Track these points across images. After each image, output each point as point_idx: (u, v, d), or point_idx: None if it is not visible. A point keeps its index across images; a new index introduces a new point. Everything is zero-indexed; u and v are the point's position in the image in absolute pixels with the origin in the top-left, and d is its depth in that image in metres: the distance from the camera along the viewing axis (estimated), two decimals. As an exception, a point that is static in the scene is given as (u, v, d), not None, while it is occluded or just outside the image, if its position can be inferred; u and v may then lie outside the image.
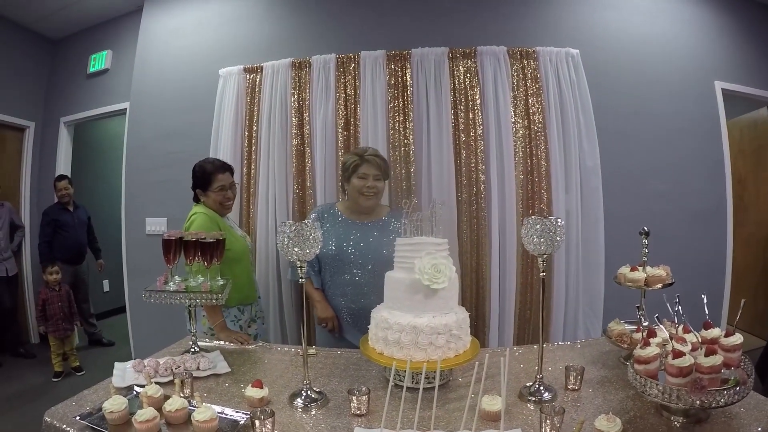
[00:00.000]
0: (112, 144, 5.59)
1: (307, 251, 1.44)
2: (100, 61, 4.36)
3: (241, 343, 2.09)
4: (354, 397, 1.39)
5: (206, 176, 2.32)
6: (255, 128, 3.29)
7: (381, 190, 2.31)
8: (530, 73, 3.11)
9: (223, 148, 3.31)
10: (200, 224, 2.19)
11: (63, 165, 4.66)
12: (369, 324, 1.68)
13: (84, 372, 3.96)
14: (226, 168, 2.40)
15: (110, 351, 4.59)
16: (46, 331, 3.84)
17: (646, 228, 1.82)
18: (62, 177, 4.43)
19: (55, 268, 3.88)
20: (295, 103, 3.22)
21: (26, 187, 4.66)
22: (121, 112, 4.11)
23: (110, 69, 4.33)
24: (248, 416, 1.33)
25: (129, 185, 3.87)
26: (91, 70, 4.41)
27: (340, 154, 3.13)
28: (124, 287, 3.91)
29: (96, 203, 5.18)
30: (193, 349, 1.92)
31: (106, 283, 5.64)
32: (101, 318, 5.14)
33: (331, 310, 2.34)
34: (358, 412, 1.39)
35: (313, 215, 2.42)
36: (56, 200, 4.43)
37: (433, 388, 1.34)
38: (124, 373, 1.70)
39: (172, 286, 1.85)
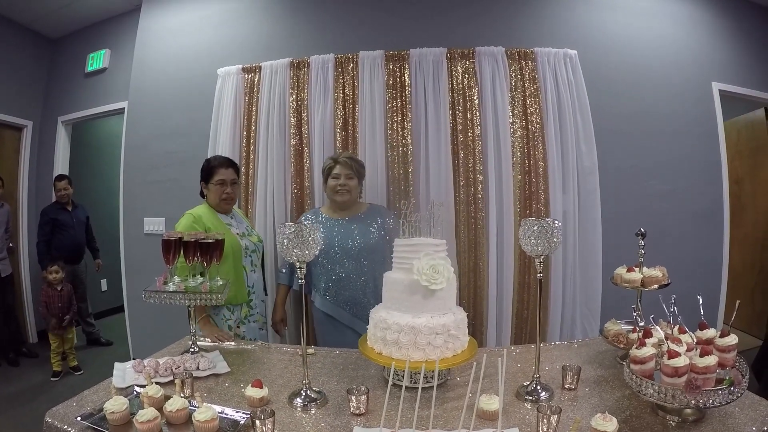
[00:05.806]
0: (110, 143, 5.58)
1: (307, 252, 1.44)
2: (98, 60, 4.36)
3: (220, 341, 2.10)
4: (353, 397, 1.40)
5: (210, 168, 2.40)
6: (253, 128, 3.29)
7: (353, 188, 2.54)
8: (528, 74, 3.12)
9: (222, 147, 3.30)
10: (184, 225, 2.22)
11: (61, 164, 4.65)
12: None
13: (82, 371, 3.94)
14: (230, 164, 2.44)
15: (108, 350, 4.59)
16: (48, 327, 3.83)
17: (642, 229, 1.84)
18: (62, 177, 4.41)
19: (55, 267, 3.85)
20: (294, 103, 3.23)
21: (24, 186, 4.65)
22: (119, 112, 4.11)
23: (108, 68, 4.33)
24: (249, 416, 1.34)
25: (127, 184, 3.87)
26: (89, 69, 4.40)
27: (338, 153, 3.14)
28: (123, 287, 3.92)
29: (94, 202, 5.16)
30: (192, 349, 1.92)
31: (104, 282, 5.63)
32: (99, 317, 5.13)
33: (282, 314, 2.69)
34: (357, 412, 1.40)
35: (301, 218, 2.64)
36: (54, 199, 4.42)
37: (431, 387, 1.35)
38: (124, 373, 1.70)
39: (171, 287, 1.85)
